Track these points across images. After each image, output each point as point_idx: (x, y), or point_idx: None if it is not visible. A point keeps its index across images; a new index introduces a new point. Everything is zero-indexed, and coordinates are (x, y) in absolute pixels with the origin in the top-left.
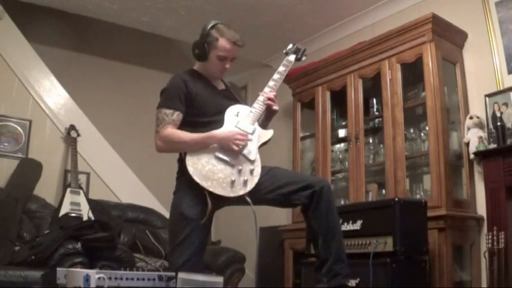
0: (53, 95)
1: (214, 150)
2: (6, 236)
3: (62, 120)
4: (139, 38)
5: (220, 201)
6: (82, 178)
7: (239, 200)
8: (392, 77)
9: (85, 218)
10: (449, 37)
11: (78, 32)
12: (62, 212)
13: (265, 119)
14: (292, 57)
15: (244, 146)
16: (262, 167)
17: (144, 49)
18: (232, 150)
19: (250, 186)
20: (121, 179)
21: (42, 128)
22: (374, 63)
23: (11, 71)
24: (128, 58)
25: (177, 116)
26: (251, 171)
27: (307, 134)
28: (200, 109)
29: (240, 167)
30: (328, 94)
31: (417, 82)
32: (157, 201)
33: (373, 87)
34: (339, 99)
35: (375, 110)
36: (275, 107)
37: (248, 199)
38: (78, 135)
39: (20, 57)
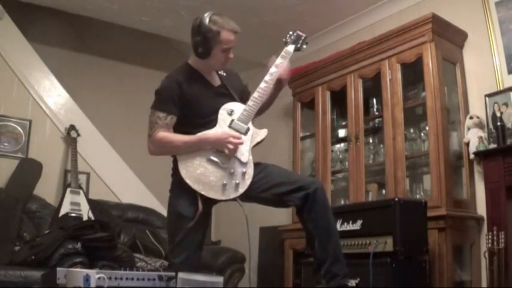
0: (53, 95)
1: (206, 153)
2: (6, 236)
3: (62, 120)
4: (139, 38)
5: (213, 202)
6: (82, 178)
7: (232, 200)
8: (392, 77)
9: (85, 218)
10: (449, 37)
11: (78, 32)
12: (62, 212)
13: (274, 91)
14: (291, 48)
15: (237, 148)
16: (258, 164)
17: (144, 49)
18: (224, 152)
19: (242, 189)
20: (121, 179)
21: (42, 128)
22: (374, 63)
23: (11, 71)
24: (128, 58)
25: (170, 119)
26: (243, 174)
27: (307, 134)
28: (195, 110)
29: (232, 170)
30: (328, 94)
31: (417, 82)
32: (157, 201)
33: (373, 87)
34: (339, 99)
35: (375, 110)
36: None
37: (240, 202)
38: (78, 135)
39: (20, 57)
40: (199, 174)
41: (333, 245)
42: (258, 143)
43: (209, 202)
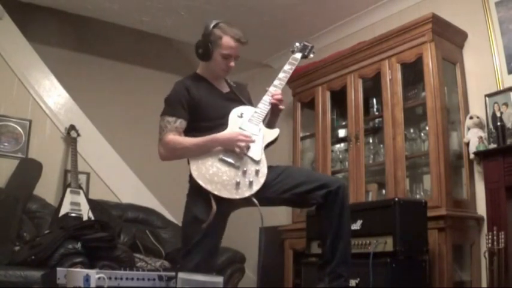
0: (53, 95)
1: (218, 153)
2: (6, 236)
3: (62, 120)
4: (139, 38)
5: (229, 204)
6: (82, 178)
7: (248, 202)
8: (392, 77)
9: (85, 218)
10: (449, 37)
11: (78, 32)
12: (62, 212)
13: (272, 117)
14: (298, 55)
15: (248, 147)
16: (276, 167)
17: (144, 49)
18: (235, 152)
19: (256, 187)
20: (121, 179)
21: (42, 128)
22: (374, 63)
23: (11, 70)
24: (128, 58)
25: (179, 123)
26: (256, 172)
27: (307, 134)
28: (204, 114)
29: (244, 168)
30: (328, 94)
31: (417, 82)
32: (157, 201)
33: (373, 87)
34: (339, 99)
35: (375, 110)
36: (280, 107)
37: (255, 200)
38: (78, 135)
39: (20, 57)
40: (212, 174)
41: (344, 246)
42: (272, 143)
43: (227, 204)
